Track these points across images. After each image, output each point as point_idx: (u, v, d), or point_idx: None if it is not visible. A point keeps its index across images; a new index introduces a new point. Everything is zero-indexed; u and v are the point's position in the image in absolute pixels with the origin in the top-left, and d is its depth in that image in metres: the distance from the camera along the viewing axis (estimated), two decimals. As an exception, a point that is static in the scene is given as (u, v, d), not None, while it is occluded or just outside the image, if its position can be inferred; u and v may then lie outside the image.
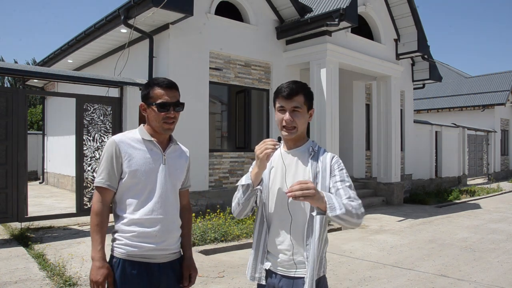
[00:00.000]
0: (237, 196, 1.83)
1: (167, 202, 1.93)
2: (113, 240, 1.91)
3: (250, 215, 1.93)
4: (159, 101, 1.88)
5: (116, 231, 1.90)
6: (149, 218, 1.86)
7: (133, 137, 1.93)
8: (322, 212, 1.61)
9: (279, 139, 1.75)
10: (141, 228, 1.85)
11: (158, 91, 1.89)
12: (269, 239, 1.82)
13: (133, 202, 1.88)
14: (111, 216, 1.97)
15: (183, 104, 1.96)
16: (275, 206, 1.81)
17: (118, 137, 1.92)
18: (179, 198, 2.06)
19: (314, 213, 1.68)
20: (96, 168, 6.70)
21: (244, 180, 1.79)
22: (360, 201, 1.69)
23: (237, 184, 1.85)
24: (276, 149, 1.69)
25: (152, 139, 1.93)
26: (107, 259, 1.89)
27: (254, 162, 1.78)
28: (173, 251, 1.96)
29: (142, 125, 2.00)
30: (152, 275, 1.86)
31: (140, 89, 7.19)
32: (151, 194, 1.89)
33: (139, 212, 1.86)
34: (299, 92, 1.78)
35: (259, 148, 1.68)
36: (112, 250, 1.90)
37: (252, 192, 1.78)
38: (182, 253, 2.06)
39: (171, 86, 1.92)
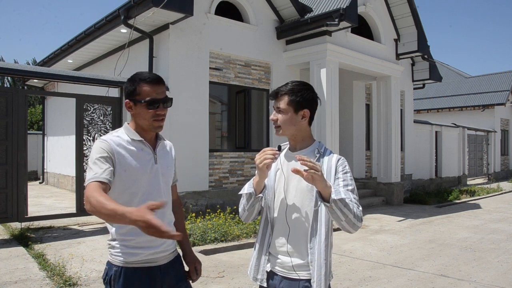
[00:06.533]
0: (242, 203, 1.84)
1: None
2: (111, 247, 1.81)
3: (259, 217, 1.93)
4: (148, 98, 1.77)
5: (114, 239, 1.80)
6: None
7: (121, 138, 1.81)
8: (326, 199, 1.60)
9: (279, 148, 1.76)
10: (140, 233, 1.72)
11: (145, 87, 1.77)
12: (271, 241, 1.84)
13: (128, 206, 1.80)
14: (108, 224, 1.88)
15: (171, 99, 1.87)
16: (278, 212, 1.82)
17: (107, 137, 1.80)
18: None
19: (317, 204, 1.70)
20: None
21: (247, 188, 1.80)
22: (361, 208, 1.70)
23: (240, 193, 1.85)
24: (276, 158, 1.69)
25: (141, 138, 1.84)
26: (105, 267, 1.83)
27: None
28: (171, 250, 1.93)
29: (126, 123, 1.89)
30: (155, 279, 1.82)
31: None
32: (145, 196, 1.79)
33: None
34: (283, 94, 1.80)
35: (258, 158, 1.68)
36: (111, 259, 1.81)
37: (255, 200, 1.79)
38: (178, 251, 2.03)
39: (158, 82, 1.80)
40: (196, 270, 2.02)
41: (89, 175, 1.67)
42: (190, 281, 2.01)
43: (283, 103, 1.80)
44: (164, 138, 2.00)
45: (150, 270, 1.80)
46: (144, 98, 1.78)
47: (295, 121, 1.80)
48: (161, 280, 1.83)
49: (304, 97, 1.81)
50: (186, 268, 2.04)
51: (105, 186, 1.65)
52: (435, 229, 7.58)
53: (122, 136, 1.82)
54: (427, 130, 14.69)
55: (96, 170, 1.67)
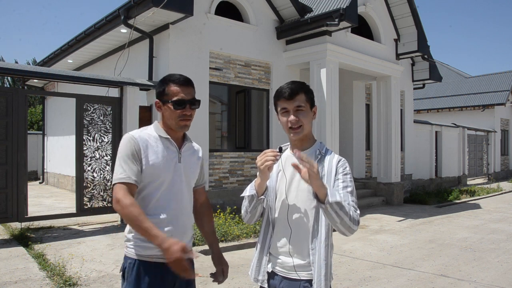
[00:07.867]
0: (245, 205, 1.84)
1: (182, 201, 1.90)
2: (127, 240, 1.87)
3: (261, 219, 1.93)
4: (175, 98, 1.85)
5: (130, 231, 1.86)
6: (164, 218, 1.84)
7: (150, 134, 1.89)
8: (321, 200, 1.60)
9: (280, 149, 1.75)
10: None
11: (174, 88, 1.86)
12: (272, 241, 1.83)
13: (148, 201, 1.85)
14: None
15: (199, 101, 1.93)
16: (279, 213, 1.82)
17: (136, 133, 1.88)
18: (196, 196, 2.06)
19: (313, 204, 1.69)
20: (97, 168, 6.72)
21: (249, 190, 1.80)
22: (358, 211, 1.69)
23: (242, 195, 1.85)
24: (277, 159, 1.68)
25: (168, 136, 1.91)
26: (122, 259, 1.89)
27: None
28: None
29: (156, 121, 1.98)
30: (168, 275, 1.83)
31: (140, 89, 7.20)
32: (166, 192, 1.86)
33: (154, 212, 1.83)
34: (300, 91, 1.77)
35: (259, 160, 1.67)
36: (127, 251, 1.87)
37: (257, 201, 1.79)
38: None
39: (187, 83, 1.89)
40: (223, 272, 2.05)
41: (117, 173, 1.78)
42: (216, 283, 2.05)
43: (303, 100, 1.77)
44: (191, 140, 2.06)
45: (163, 266, 1.82)
46: (172, 98, 1.86)
47: (310, 118, 1.81)
48: (173, 277, 1.85)
49: (312, 93, 1.84)
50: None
51: (132, 188, 1.78)
52: (435, 229, 7.58)
53: (150, 133, 1.91)
54: (427, 130, 14.69)
55: (125, 170, 1.78)
